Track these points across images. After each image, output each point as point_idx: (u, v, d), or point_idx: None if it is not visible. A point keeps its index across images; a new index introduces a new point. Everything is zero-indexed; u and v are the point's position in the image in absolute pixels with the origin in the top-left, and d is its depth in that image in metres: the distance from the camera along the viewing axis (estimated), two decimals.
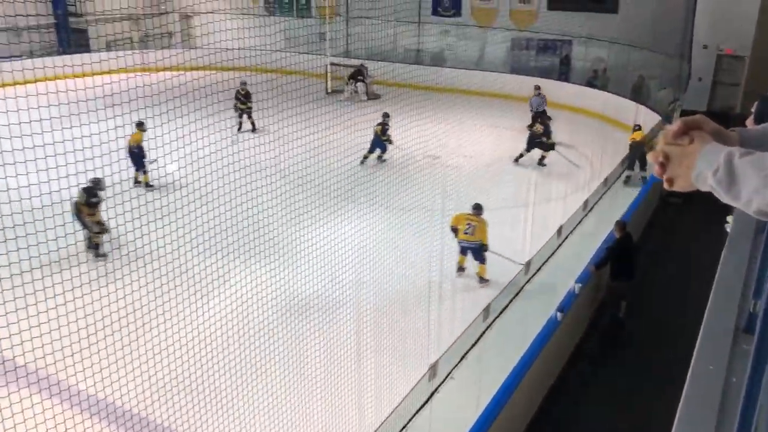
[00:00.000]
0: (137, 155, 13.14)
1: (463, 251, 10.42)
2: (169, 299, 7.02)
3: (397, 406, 6.87)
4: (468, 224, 10.18)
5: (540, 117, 17.25)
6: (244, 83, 17.73)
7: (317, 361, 7.97)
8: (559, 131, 16.68)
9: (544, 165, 16.06)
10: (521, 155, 16.32)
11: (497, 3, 24.78)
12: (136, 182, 13.35)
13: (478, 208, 10.36)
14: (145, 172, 13.45)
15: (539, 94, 19.39)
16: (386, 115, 15.78)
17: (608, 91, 21.11)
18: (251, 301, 7.77)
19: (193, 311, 7.65)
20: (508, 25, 24.58)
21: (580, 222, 12.10)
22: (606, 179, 14.19)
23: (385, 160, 16.01)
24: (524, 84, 21.46)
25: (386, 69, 20.11)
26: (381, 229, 10.48)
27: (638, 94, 20.74)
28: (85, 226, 9.96)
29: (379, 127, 15.68)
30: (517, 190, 14.50)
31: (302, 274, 9.03)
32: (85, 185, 9.17)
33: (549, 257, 10.67)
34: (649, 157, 1.48)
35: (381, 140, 15.69)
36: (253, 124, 17.94)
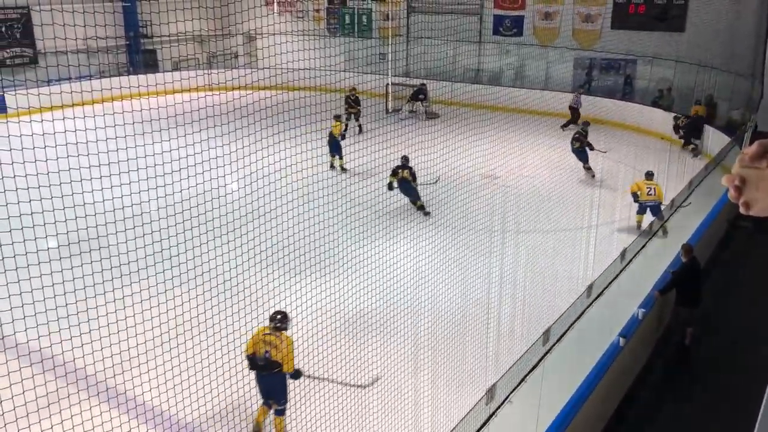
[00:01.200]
0: (335, 143, 16.08)
1: (643, 210, 12.99)
2: (230, 314, 7.16)
3: (453, 429, 6.80)
4: (649, 188, 12.92)
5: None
6: (353, 89, 19.63)
7: (372, 377, 7.97)
8: (622, 152, 16.36)
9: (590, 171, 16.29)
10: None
11: (560, 22, 24.58)
12: (332, 167, 16.08)
13: (650, 175, 13.16)
14: (340, 157, 16.11)
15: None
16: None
17: (673, 112, 20.58)
18: (310, 318, 7.85)
19: (251, 327, 7.78)
20: (571, 44, 24.34)
21: (644, 245, 11.79)
22: (672, 201, 13.80)
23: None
24: (586, 103, 21.17)
25: (446, 88, 20.17)
26: (439, 249, 10.46)
27: (712, 116, 20.15)
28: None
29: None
30: (579, 211, 14.24)
31: (359, 293, 9.08)
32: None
33: (612, 281, 10.42)
34: (724, 181, 1.44)
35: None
36: (360, 126, 19.25)
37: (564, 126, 21.01)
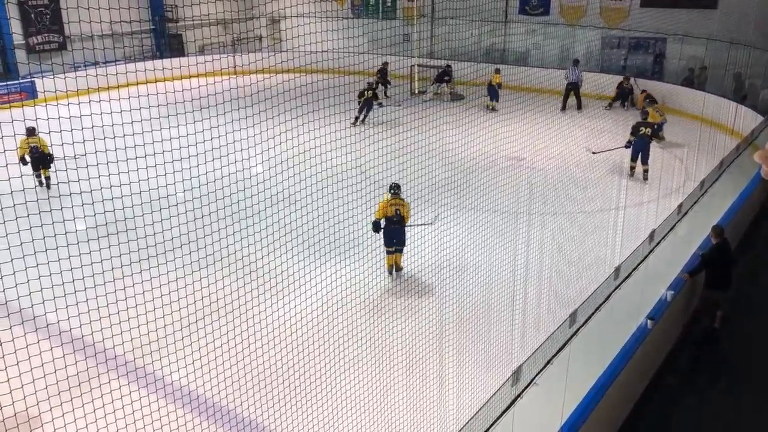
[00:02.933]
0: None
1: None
2: (256, 296, 7.21)
3: (478, 411, 6.80)
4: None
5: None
6: (386, 63, 21.88)
7: (398, 361, 7.99)
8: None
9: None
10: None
11: (587, 0, 24.12)
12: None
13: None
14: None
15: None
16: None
17: (706, 91, 20.14)
18: (334, 300, 7.88)
19: (276, 308, 7.84)
20: (598, 23, 23.88)
21: (673, 227, 11.59)
22: (702, 182, 13.54)
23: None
24: (615, 83, 20.83)
25: (471, 69, 19.97)
26: (465, 231, 10.41)
27: (738, 93, 19.71)
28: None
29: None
30: (606, 192, 14.06)
31: (384, 274, 9.08)
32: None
33: (640, 263, 10.27)
34: (756, 157, 1.39)
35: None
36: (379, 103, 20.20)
37: (609, 106, 20.88)
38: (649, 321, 8.10)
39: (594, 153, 15.22)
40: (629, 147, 14.68)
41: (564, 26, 24.46)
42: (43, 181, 13.35)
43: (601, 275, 9.76)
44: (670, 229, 11.51)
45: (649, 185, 14.00)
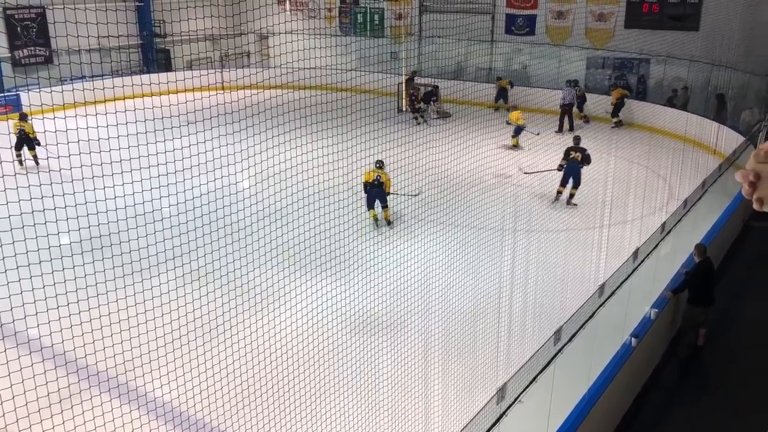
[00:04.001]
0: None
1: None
2: (241, 312, 7.18)
3: (463, 429, 6.78)
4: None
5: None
6: (414, 72, 22.58)
7: (384, 378, 7.97)
8: (635, 152, 16.25)
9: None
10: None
11: (572, 21, 24.46)
12: None
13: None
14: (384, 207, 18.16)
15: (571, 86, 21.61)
16: (381, 163, 12.52)
17: (688, 111, 20.43)
18: (320, 316, 7.86)
19: (262, 324, 7.80)
20: (583, 43, 24.21)
21: (657, 245, 11.70)
22: (685, 201, 13.70)
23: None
24: (600, 103, 21.07)
25: (457, 87, 20.13)
26: (450, 248, 10.44)
27: (720, 114, 20.02)
28: None
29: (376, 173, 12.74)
30: (590, 210, 14.17)
31: (370, 291, 9.07)
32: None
33: (624, 281, 10.34)
34: (738, 176, 1.42)
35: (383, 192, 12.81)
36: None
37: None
38: (633, 339, 8.14)
39: (526, 173, 14.86)
40: (561, 170, 14.32)
41: (550, 46, 24.76)
42: (23, 161, 15.49)
43: (586, 293, 9.82)
44: (654, 248, 11.62)
45: (632, 204, 14.11)
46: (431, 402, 7.32)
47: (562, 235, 10.18)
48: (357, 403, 7.38)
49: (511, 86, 23.25)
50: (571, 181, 14.12)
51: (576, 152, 14.23)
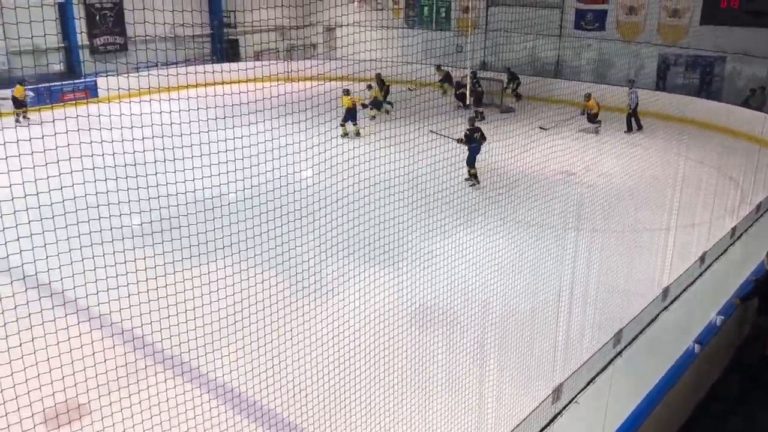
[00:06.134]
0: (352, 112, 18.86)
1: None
2: (300, 299, 7.29)
3: (516, 427, 6.73)
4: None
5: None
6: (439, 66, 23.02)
7: (438, 373, 7.98)
8: (706, 153, 15.69)
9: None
10: None
11: (645, 17, 23.73)
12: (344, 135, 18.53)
13: None
14: (354, 124, 18.80)
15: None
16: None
17: (765, 112, 19.57)
18: (377, 306, 7.92)
19: (320, 311, 7.92)
20: (655, 39, 23.47)
21: (726, 250, 11.29)
22: (758, 205, 13.15)
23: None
24: (671, 102, 20.42)
25: (522, 82, 19.86)
26: (512, 244, 10.34)
27: None
28: None
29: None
30: (658, 212, 13.77)
31: (428, 285, 9.09)
32: None
33: (689, 285, 10.03)
34: None
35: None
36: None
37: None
38: (696, 345, 7.90)
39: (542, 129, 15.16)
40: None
41: (620, 42, 24.11)
42: (20, 119, 19.37)
43: (649, 296, 9.57)
44: (723, 252, 11.21)
45: (702, 207, 13.66)
46: (485, 398, 7.29)
47: (626, 235, 9.94)
48: (410, 395, 7.42)
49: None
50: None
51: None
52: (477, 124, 15.46)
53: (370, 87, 21.00)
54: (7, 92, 20.56)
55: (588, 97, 19.64)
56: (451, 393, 7.47)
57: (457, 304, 8.93)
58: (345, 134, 18.58)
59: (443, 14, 27.97)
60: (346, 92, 18.40)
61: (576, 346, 8.17)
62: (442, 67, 24.11)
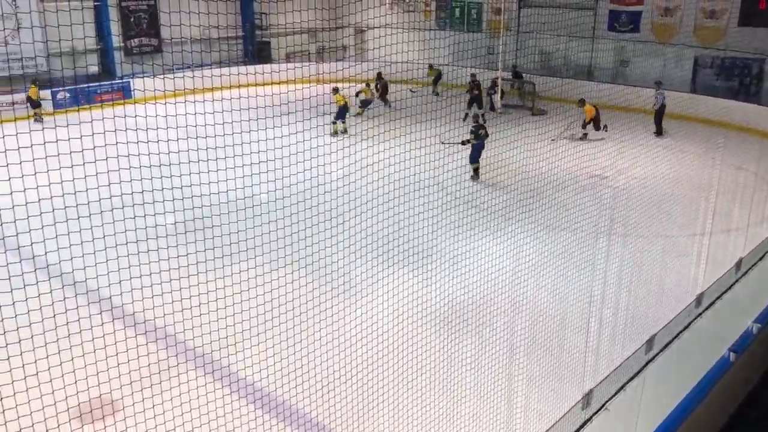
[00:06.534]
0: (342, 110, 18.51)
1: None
2: (329, 299, 7.32)
3: (546, 431, 6.67)
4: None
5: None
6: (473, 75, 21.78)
7: (466, 376, 7.94)
8: (743, 157, 15.37)
9: None
10: None
11: (680, 18, 23.34)
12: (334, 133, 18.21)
13: None
14: (343, 122, 18.33)
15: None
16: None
17: None
18: (407, 307, 7.91)
19: (347, 314, 7.94)
20: (691, 41, 23.07)
21: (763, 256, 11.04)
22: None
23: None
24: (707, 104, 20.06)
25: (555, 84, 19.69)
26: (542, 248, 10.26)
27: None
28: None
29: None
30: (693, 217, 13.53)
31: (457, 288, 9.05)
32: None
33: (724, 292, 9.83)
34: None
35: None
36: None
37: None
38: (732, 353, 7.75)
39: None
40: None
41: (654, 44, 23.74)
42: (38, 117, 19.70)
43: (682, 302, 9.41)
44: (760, 259, 10.96)
45: (738, 212, 13.39)
46: (513, 403, 7.23)
47: (659, 240, 9.78)
48: (438, 398, 7.39)
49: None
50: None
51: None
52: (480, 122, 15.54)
53: (368, 85, 20.94)
54: (47, 92, 21.06)
55: (582, 102, 18.95)
56: (479, 397, 7.43)
57: (486, 307, 8.88)
58: (335, 132, 18.32)
59: (474, 15, 27.87)
60: (336, 90, 18.11)
61: (607, 352, 8.06)
62: (434, 66, 24.06)
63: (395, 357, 7.47)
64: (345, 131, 18.67)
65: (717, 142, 17.75)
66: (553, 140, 15.85)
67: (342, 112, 18.75)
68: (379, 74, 21.91)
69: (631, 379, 7.63)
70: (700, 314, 9.26)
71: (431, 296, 8.41)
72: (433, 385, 7.56)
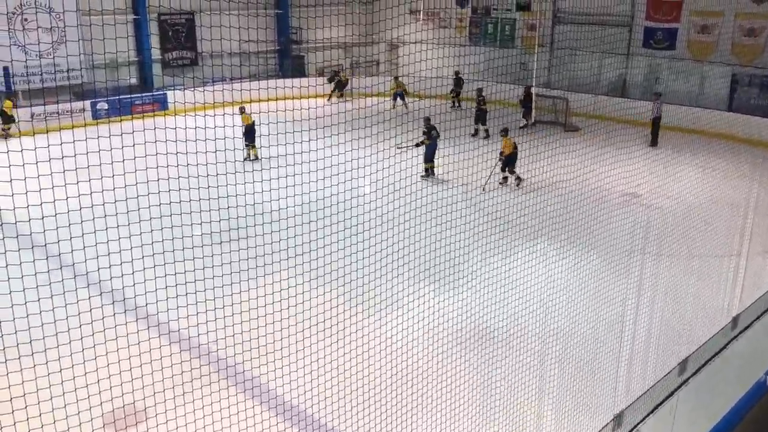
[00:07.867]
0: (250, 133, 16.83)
1: None
2: (356, 313, 7.33)
3: None
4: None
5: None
6: (457, 72, 22.59)
7: (495, 394, 7.87)
8: None
9: None
10: None
11: (718, 36, 23.02)
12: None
13: None
14: (253, 147, 16.77)
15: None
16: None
17: None
18: (435, 323, 7.89)
19: (376, 327, 7.94)
20: (728, 59, 22.73)
21: None
22: None
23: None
24: (745, 123, 19.73)
25: (589, 101, 19.52)
26: (574, 267, 10.15)
27: None
28: None
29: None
30: (729, 237, 13.25)
31: (487, 305, 9.00)
32: None
33: (762, 314, 9.61)
34: None
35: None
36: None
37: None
38: None
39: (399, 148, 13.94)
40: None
41: (691, 61, 23.44)
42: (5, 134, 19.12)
43: (717, 324, 9.22)
44: None
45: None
46: (544, 423, 7.15)
47: (694, 261, 9.61)
48: (468, 416, 7.34)
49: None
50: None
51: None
52: (481, 141, 15.41)
53: (243, 111, 17.23)
54: (86, 104, 21.61)
55: (505, 132, 16.09)
56: (509, 416, 7.36)
57: (516, 325, 8.81)
58: (247, 158, 16.65)
59: (507, 32, 27.85)
60: (242, 110, 16.73)
61: (638, 373, 7.92)
62: (399, 78, 23.74)
63: (425, 372, 7.45)
64: (256, 157, 16.61)
65: (755, 161, 17.41)
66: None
67: (251, 134, 16.83)
68: (337, 71, 22.11)
69: (664, 401, 7.50)
70: (736, 337, 9.07)
71: (461, 313, 8.38)
72: (462, 402, 7.50)
